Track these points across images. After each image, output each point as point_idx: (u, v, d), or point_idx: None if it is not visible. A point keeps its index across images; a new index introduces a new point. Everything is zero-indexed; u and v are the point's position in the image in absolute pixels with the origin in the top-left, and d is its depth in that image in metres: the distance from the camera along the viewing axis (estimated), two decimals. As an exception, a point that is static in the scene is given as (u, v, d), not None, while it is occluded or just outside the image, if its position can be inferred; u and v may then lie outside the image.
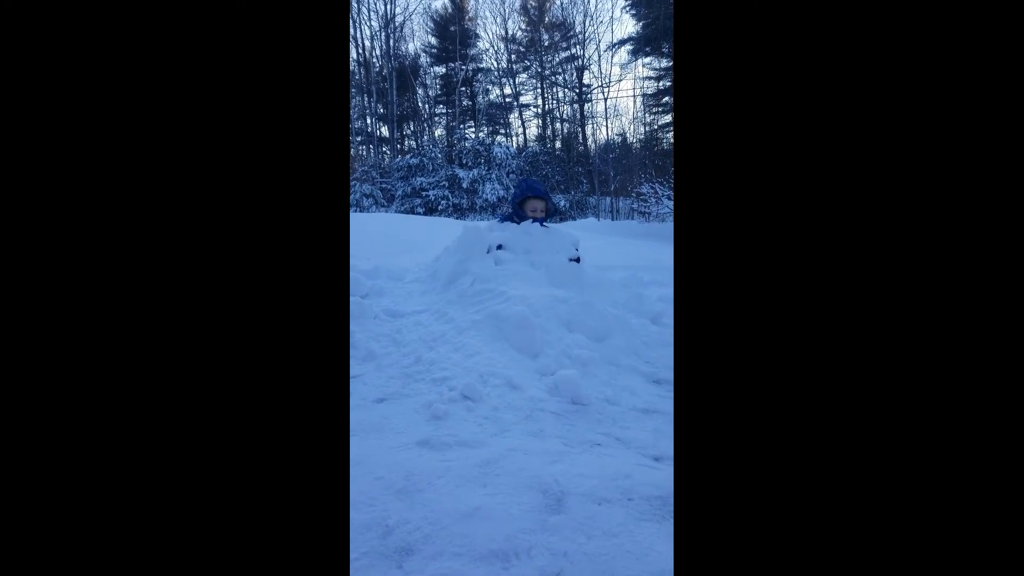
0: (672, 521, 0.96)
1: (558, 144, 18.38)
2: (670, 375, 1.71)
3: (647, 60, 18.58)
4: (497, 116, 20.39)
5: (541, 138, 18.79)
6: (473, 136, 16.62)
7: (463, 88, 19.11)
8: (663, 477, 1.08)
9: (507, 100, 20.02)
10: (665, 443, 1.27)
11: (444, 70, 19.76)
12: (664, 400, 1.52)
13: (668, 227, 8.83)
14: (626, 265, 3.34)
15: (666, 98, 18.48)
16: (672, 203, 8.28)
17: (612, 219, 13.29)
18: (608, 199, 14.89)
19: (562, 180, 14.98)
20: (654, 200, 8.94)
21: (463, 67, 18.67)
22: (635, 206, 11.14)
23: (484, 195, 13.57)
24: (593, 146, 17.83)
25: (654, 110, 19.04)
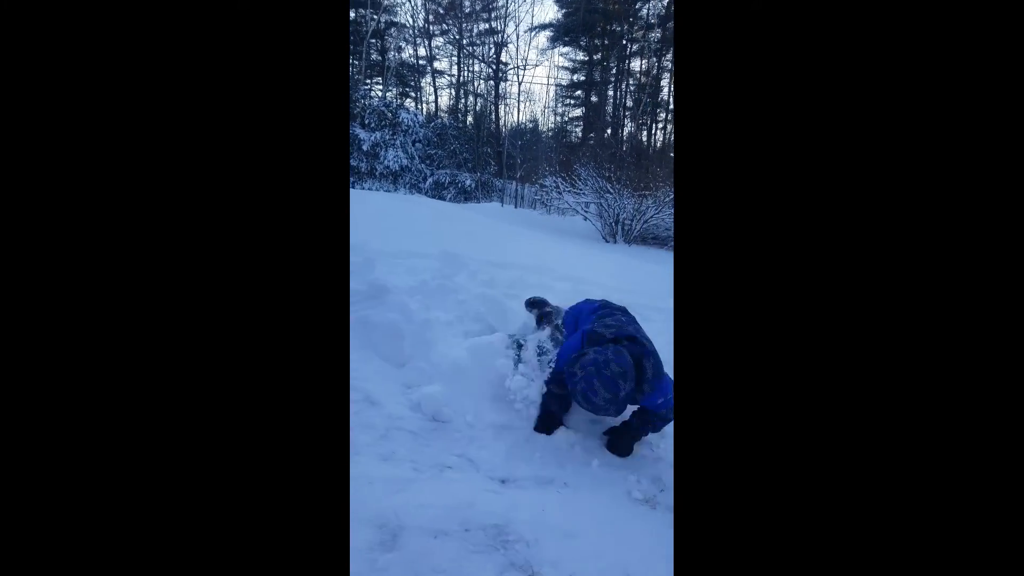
0: (503, 551, 1.01)
1: (470, 119, 17.99)
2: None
3: (565, 50, 18.92)
4: (408, 78, 19.25)
5: (453, 110, 18.21)
6: (379, 96, 15.53)
7: (373, 40, 17.63)
8: (504, 503, 1.13)
9: (420, 63, 18.97)
10: (514, 463, 1.34)
11: (353, 15, 17.99)
12: (521, 415, 1.59)
13: (567, 220, 9.25)
14: (517, 263, 3.40)
15: (579, 91, 19.06)
16: (572, 199, 8.64)
17: (515, 206, 13.49)
18: (514, 184, 15.06)
19: (470, 158, 14.77)
20: (556, 194, 9.24)
21: (374, 16, 17.18)
22: (538, 196, 11.42)
23: (386, 162, 12.83)
24: (504, 128, 17.77)
25: (566, 101, 19.54)
